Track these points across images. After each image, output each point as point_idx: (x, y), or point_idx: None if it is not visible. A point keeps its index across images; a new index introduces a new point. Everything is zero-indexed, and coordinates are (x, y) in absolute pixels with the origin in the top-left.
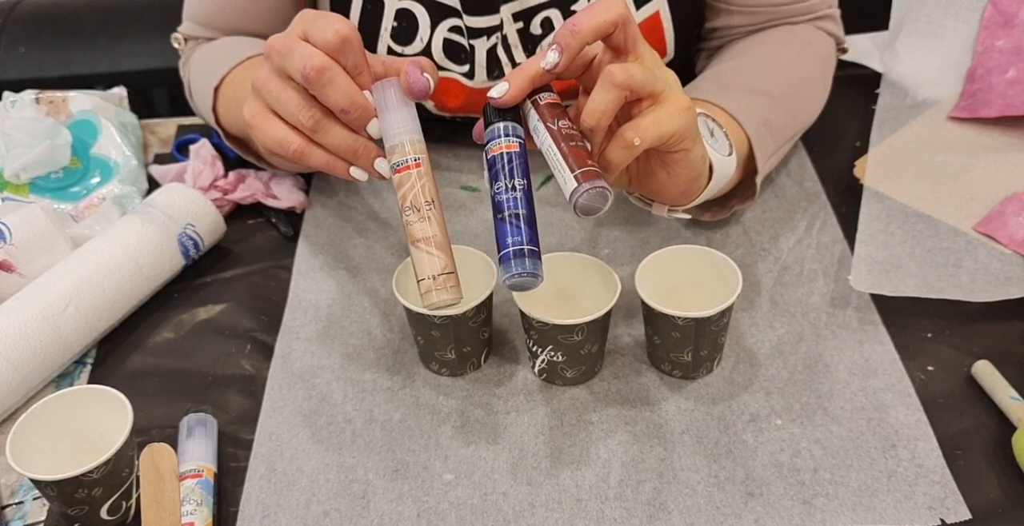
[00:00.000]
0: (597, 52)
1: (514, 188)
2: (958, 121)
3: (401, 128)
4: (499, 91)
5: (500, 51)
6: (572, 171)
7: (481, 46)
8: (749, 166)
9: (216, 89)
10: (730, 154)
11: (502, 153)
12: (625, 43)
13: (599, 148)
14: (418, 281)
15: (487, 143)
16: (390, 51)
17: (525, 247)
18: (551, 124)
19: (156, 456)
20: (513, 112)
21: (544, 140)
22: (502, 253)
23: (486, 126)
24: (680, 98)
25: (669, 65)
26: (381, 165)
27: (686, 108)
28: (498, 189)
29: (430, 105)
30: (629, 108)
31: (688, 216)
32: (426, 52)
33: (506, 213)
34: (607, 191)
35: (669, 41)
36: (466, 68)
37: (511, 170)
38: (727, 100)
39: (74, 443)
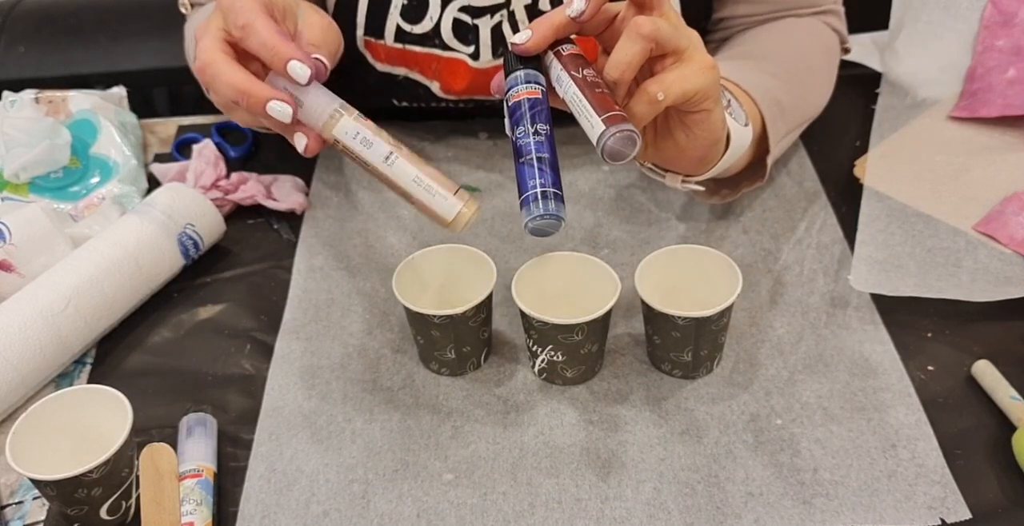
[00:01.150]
0: (620, 9)
1: (537, 133)
2: (958, 121)
3: (325, 102)
4: (522, 37)
5: (506, 27)
6: (599, 116)
7: (485, 25)
8: (761, 146)
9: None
10: (746, 125)
11: (524, 99)
12: None
13: (622, 103)
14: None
15: (508, 91)
16: (399, 29)
17: (549, 189)
18: (575, 73)
19: (156, 456)
20: (534, 63)
21: (568, 89)
22: (524, 196)
23: (507, 75)
24: (705, 56)
25: None
26: (299, 140)
27: (711, 66)
28: (520, 133)
29: (436, 87)
30: (652, 64)
31: (702, 188)
32: (435, 31)
33: (529, 157)
34: (635, 135)
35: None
36: (472, 48)
37: (533, 116)
38: (741, 78)
39: (74, 443)
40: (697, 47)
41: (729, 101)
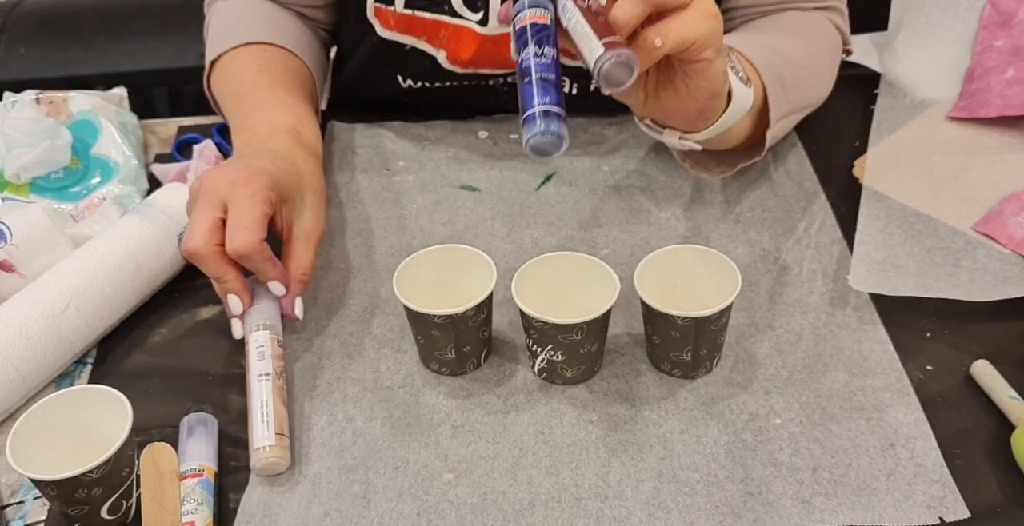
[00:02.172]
0: None
1: (543, 54)
2: (957, 121)
3: (260, 317)
4: None
5: None
6: (598, 40)
7: None
8: (760, 122)
9: (212, 63)
10: (748, 84)
11: (529, 24)
12: None
13: None
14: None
15: (515, 15)
16: None
17: (552, 108)
18: (580, 2)
19: (156, 455)
20: None
21: (572, 17)
22: (527, 113)
23: (515, 1)
24: (707, 5)
25: None
26: (235, 327)
27: (712, 15)
28: (526, 55)
29: (442, 57)
30: (655, 11)
31: (699, 147)
32: None
33: (534, 76)
34: (632, 61)
35: None
36: (480, 15)
37: (540, 39)
38: (746, 50)
39: (74, 443)
40: None
41: (733, 64)
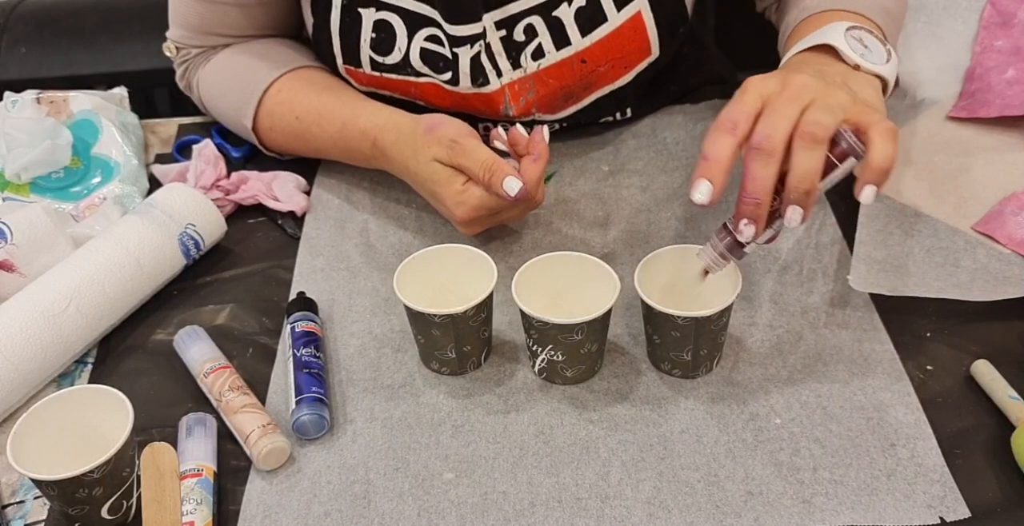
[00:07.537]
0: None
1: (315, 355)
2: (957, 121)
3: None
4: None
5: (484, 58)
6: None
7: (465, 54)
8: None
9: (254, 119)
10: (887, 60)
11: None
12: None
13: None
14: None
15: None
16: (372, 60)
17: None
18: None
19: (157, 455)
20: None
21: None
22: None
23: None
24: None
25: (654, 64)
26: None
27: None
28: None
29: (421, 103)
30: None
31: None
32: (405, 61)
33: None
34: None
35: (653, 40)
36: (448, 76)
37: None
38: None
39: (74, 443)
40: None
41: (865, 40)
